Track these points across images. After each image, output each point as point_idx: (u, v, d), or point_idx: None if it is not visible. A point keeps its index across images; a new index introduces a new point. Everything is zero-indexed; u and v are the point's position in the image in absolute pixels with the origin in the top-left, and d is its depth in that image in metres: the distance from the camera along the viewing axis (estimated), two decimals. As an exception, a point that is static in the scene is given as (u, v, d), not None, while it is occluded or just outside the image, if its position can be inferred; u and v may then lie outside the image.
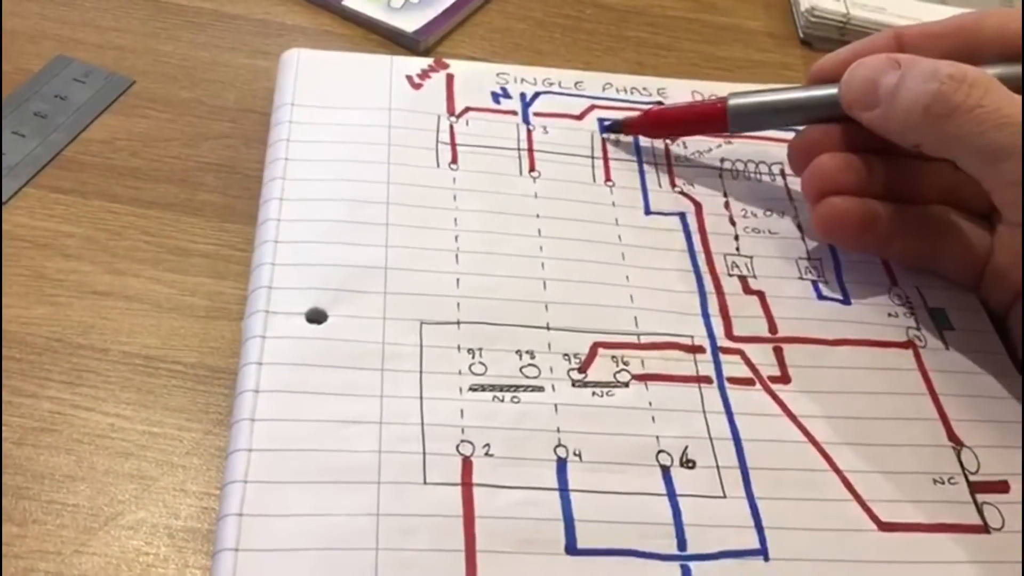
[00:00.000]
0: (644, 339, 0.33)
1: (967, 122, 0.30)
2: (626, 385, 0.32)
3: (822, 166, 0.35)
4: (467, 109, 0.40)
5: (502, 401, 0.31)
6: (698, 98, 0.43)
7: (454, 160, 0.38)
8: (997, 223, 0.36)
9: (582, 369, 0.32)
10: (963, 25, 0.35)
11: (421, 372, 0.31)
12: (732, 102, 0.37)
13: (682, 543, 0.29)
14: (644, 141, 0.40)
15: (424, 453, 0.29)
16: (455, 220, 0.36)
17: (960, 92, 0.31)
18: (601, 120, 0.41)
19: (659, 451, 0.31)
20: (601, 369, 0.32)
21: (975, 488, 0.31)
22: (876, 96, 0.33)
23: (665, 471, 0.30)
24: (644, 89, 0.43)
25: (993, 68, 0.33)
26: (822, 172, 0.35)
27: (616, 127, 0.40)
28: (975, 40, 0.34)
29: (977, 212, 0.36)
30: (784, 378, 0.33)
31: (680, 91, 0.43)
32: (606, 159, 0.39)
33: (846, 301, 0.36)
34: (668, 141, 0.40)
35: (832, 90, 0.35)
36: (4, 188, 0.36)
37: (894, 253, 0.37)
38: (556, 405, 0.31)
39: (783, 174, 0.40)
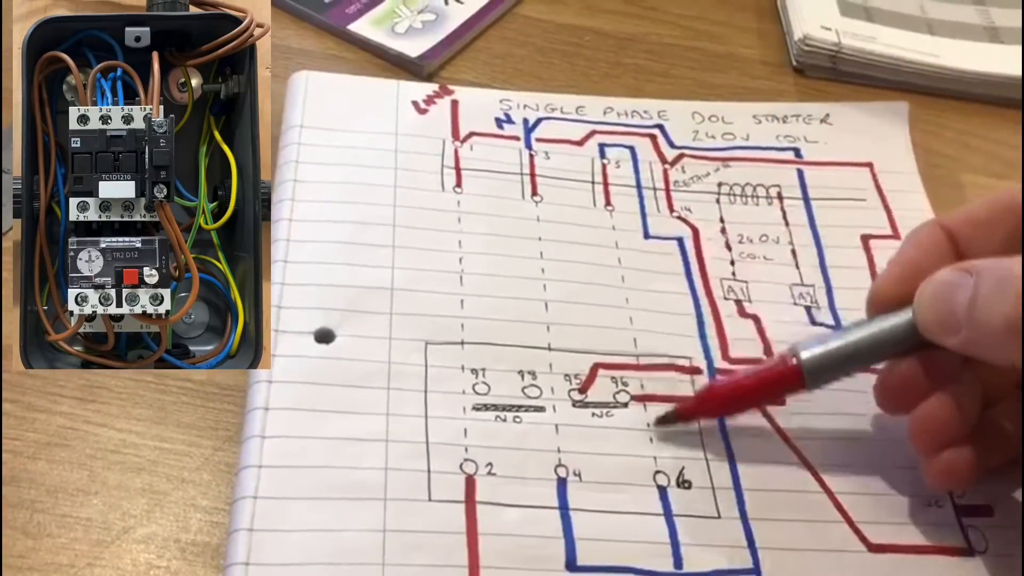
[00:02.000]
0: (643, 360, 0.34)
1: None
2: (625, 406, 0.33)
3: (928, 421, 0.31)
4: (471, 134, 0.41)
5: (504, 421, 0.32)
6: (698, 120, 0.43)
7: (458, 184, 0.39)
8: None
9: (582, 389, 0.33)
10: (1009, 204, 0.31)
11: (426, 391, 0.32)
12: (806, 358, 0.31)
13: (678, 561, 0.30)
14: (643, 165, 0.41)
15: (429, 471, 0.30)
16: (459, 242, 0.37)
17: None
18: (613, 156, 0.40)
19: (656, 471, 0.32)
20: (601, 390, 0.33)
21: (961, 511, 0.32)
22: (956, 319, 0.28)
23: (662, 491, 0.31)
24: (645, 112, 0.43)
25: None
26: (931, 427, 0.31)
27: (671, 418, 0.33)
28: None
29: None
30: (779, 400, 0.34)
31: (680, 113, 0.44)
32: (606, 184, 0.40)
33: (838, 327, 0.37)
34: (667, 165, 0.41)
35: (905, 318, 0.30)
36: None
37: (985, 468, 0.32)
38: (557, 425, 0.32)
39: (780, 197, 0.41)
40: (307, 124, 0.39)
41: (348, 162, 0.38)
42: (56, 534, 0.29)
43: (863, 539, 0.31)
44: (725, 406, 0.33)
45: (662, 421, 0.33)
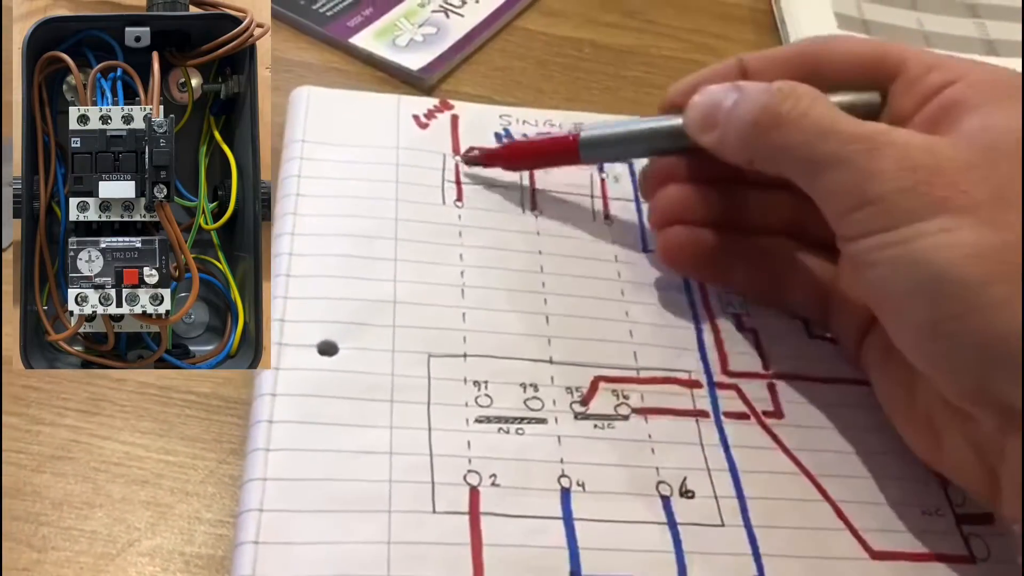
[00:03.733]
0: (643, 374, 0.35)
1: (792, 132, 0.30)
2: (626, 418, 0.33)
3: (666, 197, 0.36)
4: (471, 149, 0.41)
5: (507, 433, 0.32)
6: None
7: (459, 198, 0.39)
8: (840, 252, 0.34)
9: (584, 402, 0.33)
10: (808, 51, 0.35)
11: (429, 404, 0.32)
12: (584, 135, 0.37)
13: (682, 570, 0.30)
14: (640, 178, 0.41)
15: (433, 483, 0.30)
16: (460, 256, 0.37)
17: (787, 103, 0.31)
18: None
19: (659, 481, 0.32)
20: (602, 402, 0.34)
21: (961, 520, 0.32)
22: (716, 119, 0.33)
23: (665, 501, 0.31)
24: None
25: (841, 96, 0.32)
26: (666, 203, 0.36)
27: (475, 160, 0.39)
28: (820, 65, 0.34)
29: (821, 244, 0.35)
30: (778, 413, 0.34)
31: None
32: (605, 197, 0.40)
33: (835, 341, 0.37)
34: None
35: (678, 120, 0.35)
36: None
37: (737, 284, 0.37)
38: (559, 437, 0.32)
39: (776, 212, 0.41)
40: (308, 139, 0.39)
41: (350, 176, 0.38)
42: (61, 547, 0.29)
43: (865, 547, 0.31)
44: (516, 159, 0.39)
45: (467, 160, 0.40)
